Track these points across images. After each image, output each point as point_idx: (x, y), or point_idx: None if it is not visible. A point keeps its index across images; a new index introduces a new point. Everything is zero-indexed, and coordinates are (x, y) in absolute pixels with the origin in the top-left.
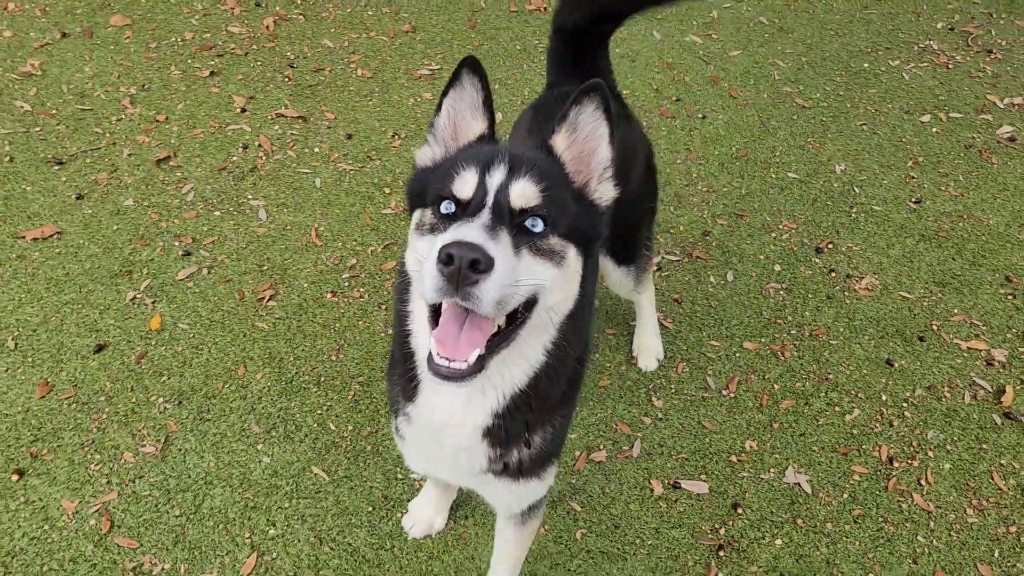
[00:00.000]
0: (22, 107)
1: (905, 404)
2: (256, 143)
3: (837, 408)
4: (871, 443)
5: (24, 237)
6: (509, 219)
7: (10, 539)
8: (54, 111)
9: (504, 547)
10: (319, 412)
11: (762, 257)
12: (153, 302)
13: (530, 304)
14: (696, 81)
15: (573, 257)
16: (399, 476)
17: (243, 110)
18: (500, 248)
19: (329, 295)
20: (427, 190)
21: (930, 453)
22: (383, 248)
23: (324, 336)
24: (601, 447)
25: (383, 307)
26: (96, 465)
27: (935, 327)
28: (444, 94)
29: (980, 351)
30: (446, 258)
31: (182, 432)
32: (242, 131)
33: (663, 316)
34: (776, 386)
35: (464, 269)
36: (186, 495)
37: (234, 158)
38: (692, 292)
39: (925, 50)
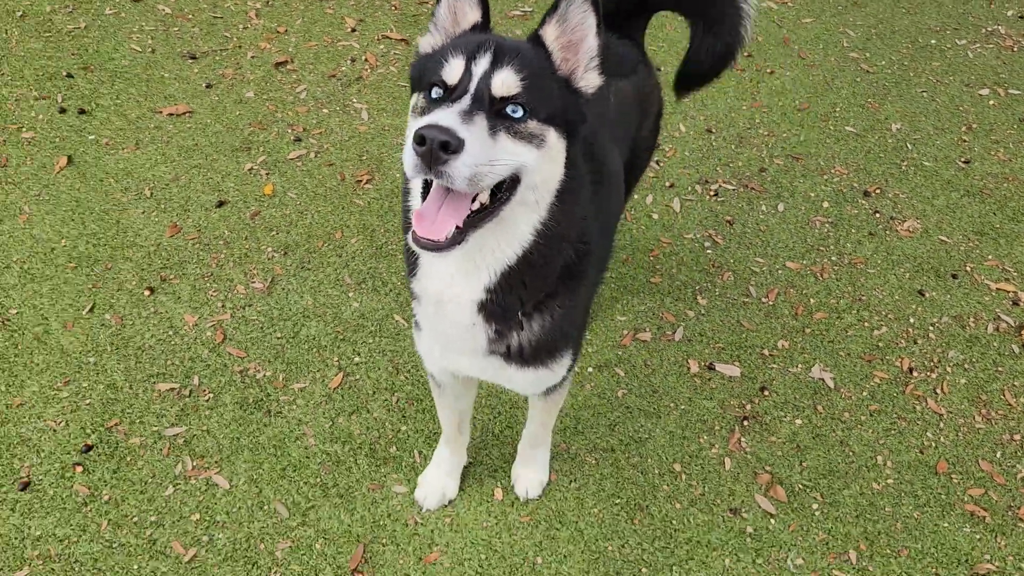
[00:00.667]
0: (164, 10)
1: (931, 328)
2: (363, 58)
3: (866, 324)
4: (895, 355)
5: (161, 112)
6: (489, 105)
7: (141, 338)
8: (190, 16)
9: (533, 412)
10: (402, 274)
11: (812, 195)
12: (267, 174)
13: (514, 183)
14: (769, 42)
15: (554, 139)
16: None
17: (353, 30)
18: (473, 130)
19: None
20: (423, 76)
21: (948, 369)
22: None
23: None
24: (647, 329)
25: None
26: (213, 292)
27: (968, 268)
28: None
29: (1008, 292)
30: (419, 139)
31: (286, 276)
32: (351, 47)
33: (714, 233)
34: (812, 300)
35: (435, 149)
36: (286, 323)
37: (343, 68)
38: (743, 216)
39: (992, 33)
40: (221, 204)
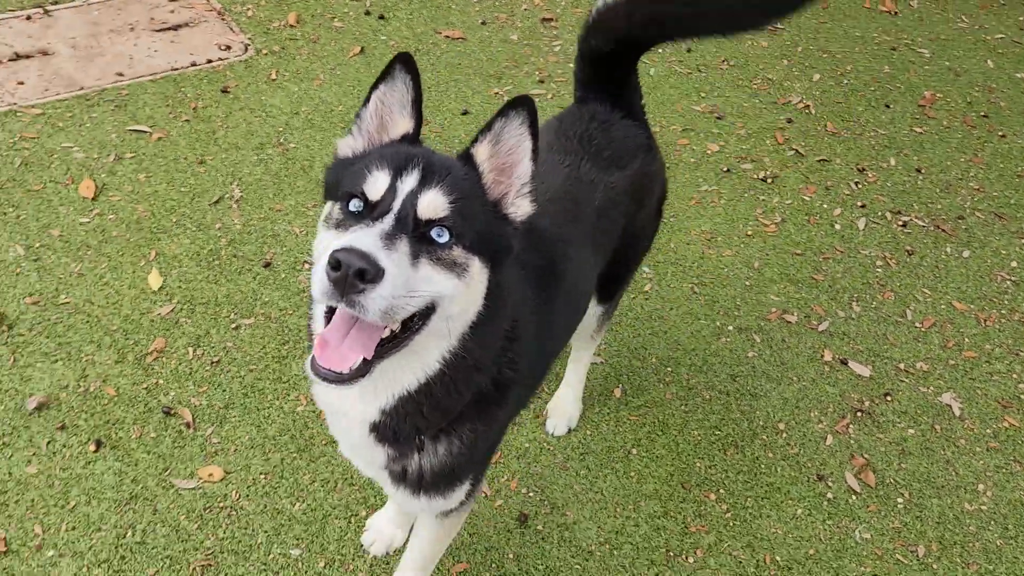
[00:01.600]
0: None
1: None
2: None
3: (1015, 376)
4: None
5: (440, 33)
6: (413, 228)
7: None
8: None
9: (417, 540)
10: None
11: (1004, 252)
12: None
13: (428, 312)
14: (1011, 108)
15: (477, 269)
16: None
17: None
18: (394, 257)
19: None
20: (340, 183)
21: None
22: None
23: None
24: (794, 313)
25: None
26: None
27: None
28: (374, 87)
29: None
30: (335, 263)
31: None
32: None
33: (890, 257)
34: (966, 340)
35: (351, 277)
36: None
37: None
38: (925, 251)
39: None
40: (465, 113)
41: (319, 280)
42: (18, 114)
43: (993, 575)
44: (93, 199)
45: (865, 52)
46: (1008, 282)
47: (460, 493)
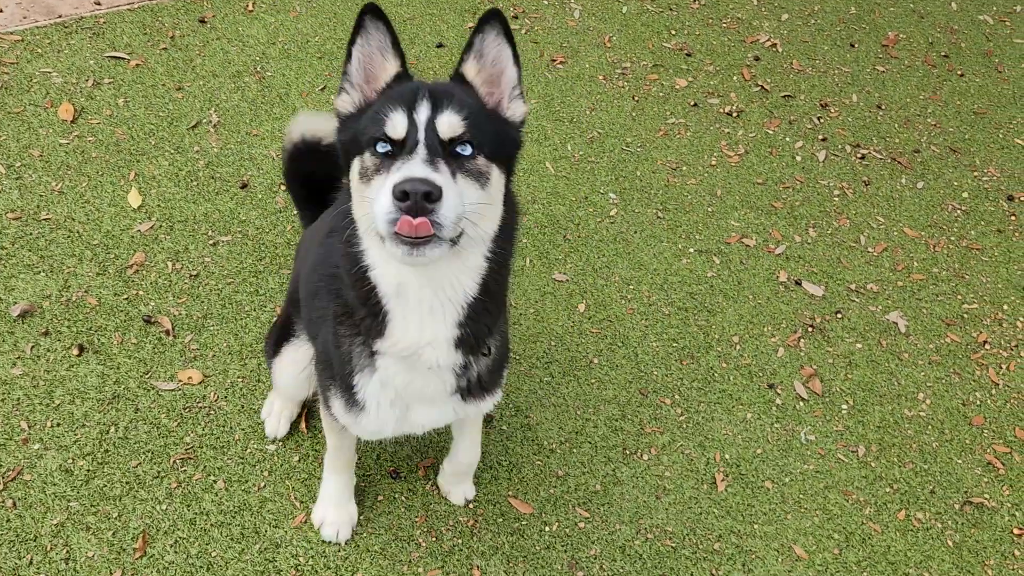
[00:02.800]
0: None
1: (1021, 320)
2: None
3: (959, 297)
4: (975, 328)
5: None
6: (442, 150)
7: None
8: None
9: (464, 447)
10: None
11: (956, 183)
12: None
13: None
14: (971, 50)
15: (496, 176)
16: None
17: None
18: (444, 177)
19: (600, 78)
20: (359, 136)
21: (1023, 355)
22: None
23: (586, 96)
24: (752, 238)
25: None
26: None
27: None
28: (351, 43)
29: None
30: (401, 195)
31: None
32: None
33: (847, 187)
34: (916, 263)
35: (420, 201)
36: None
37: None
38: (881, 182)
39: None
40: (440, 46)
41: (384, 213)
42: None
43: (928, 473)
44: (72, 122)
45: None
46: (959, 211)
47: (504, 379)
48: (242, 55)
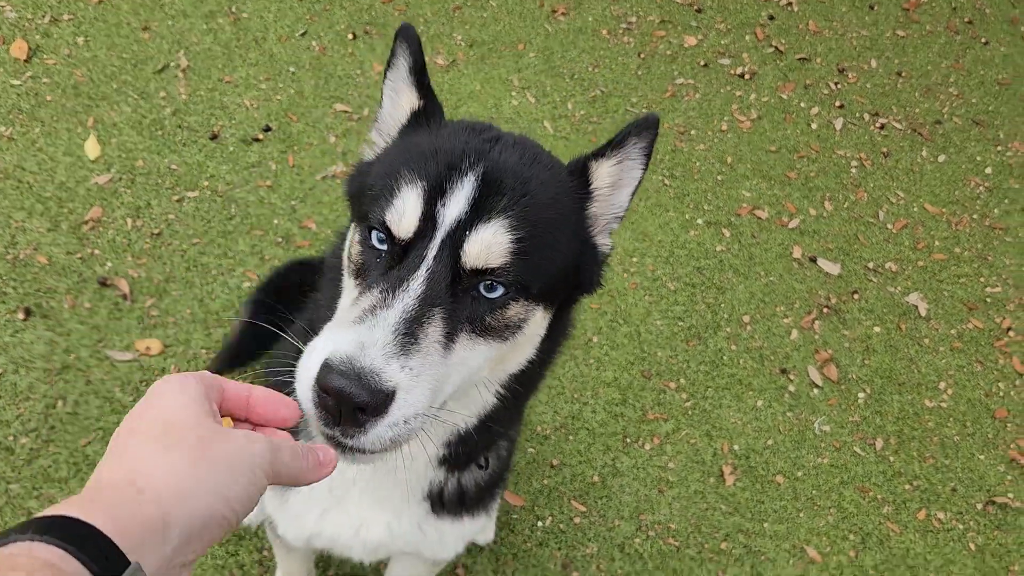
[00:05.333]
0: None
1: None
2: None
3: (982, 280)
4: (998, 313)
5: None
6: (451, 285)
7: (334, 68)
8: None
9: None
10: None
11: (979, 158)
12: None
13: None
14: (995, 16)
15: (538, 320)
16: None
17: None
18: (414, 364)
19: (604, 32)
20: (361, 201)
21: None
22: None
23: (588, 51)
24: (765, 209)
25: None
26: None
27: None
28: (385, 78)
29: None
30: (321, 389)
31: (464, 63)
32: None
33: (865, 158)
34: (937, 242)
35: (348, 412)
36: (451, 98)
37: None
38: (901, 154)
39: None
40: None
41: (305, 398)
42: None
43: (949, 469)
44: (26, 61)
45: None
46: (981, 188)
47: (493, 515)
48: None
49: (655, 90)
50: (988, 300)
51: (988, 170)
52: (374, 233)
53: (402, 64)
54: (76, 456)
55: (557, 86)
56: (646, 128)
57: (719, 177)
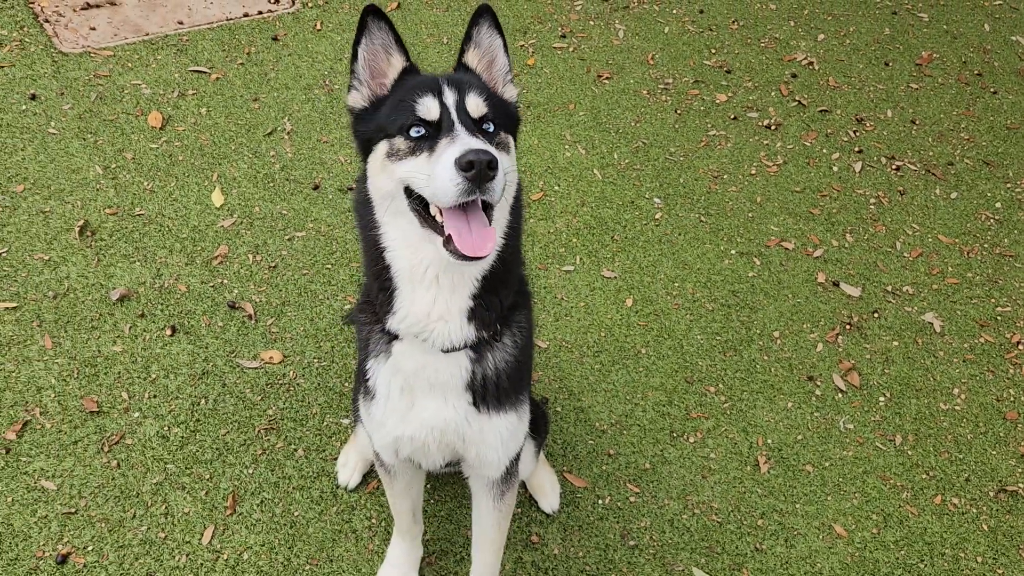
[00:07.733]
0: None
1: None
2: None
3: (993, 300)
4: (1008, 329)
5: None
6: (474, 127)
7: None
8: None
9: (482, 529)
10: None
11: (989, 195)
12: (532, 52)
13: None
14: (1004, 68)
15: (512, 146)
16: None
17: None
18: (491, 148)
19: (644, 92)
20: (386, 124)
21: None
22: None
23: (631, 109)
24: (791, 240)
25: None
26: None
27: None
28: (356, 43)
29: None
30: (467, 165)
31: (523, 122)
32: None
33: (883, 196)
34: (950, 268)
35: (484, 170)
36: None
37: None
38: (916, 192)
39: None
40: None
41: (455, 183)
42: (92, 55)
43: (963, 462)
44: (160, 128)
45: (867, 15)
46: (992, 220)
47: (524, 418)
48: (312, 70)
49: (691, 140)
50: (999, 318)
51: (998, 204)
52: (413, 128)
53: (381, 36)
54: (217, 443)
55: (604, 139)
56: (480, 16)
57: (749, 214)
